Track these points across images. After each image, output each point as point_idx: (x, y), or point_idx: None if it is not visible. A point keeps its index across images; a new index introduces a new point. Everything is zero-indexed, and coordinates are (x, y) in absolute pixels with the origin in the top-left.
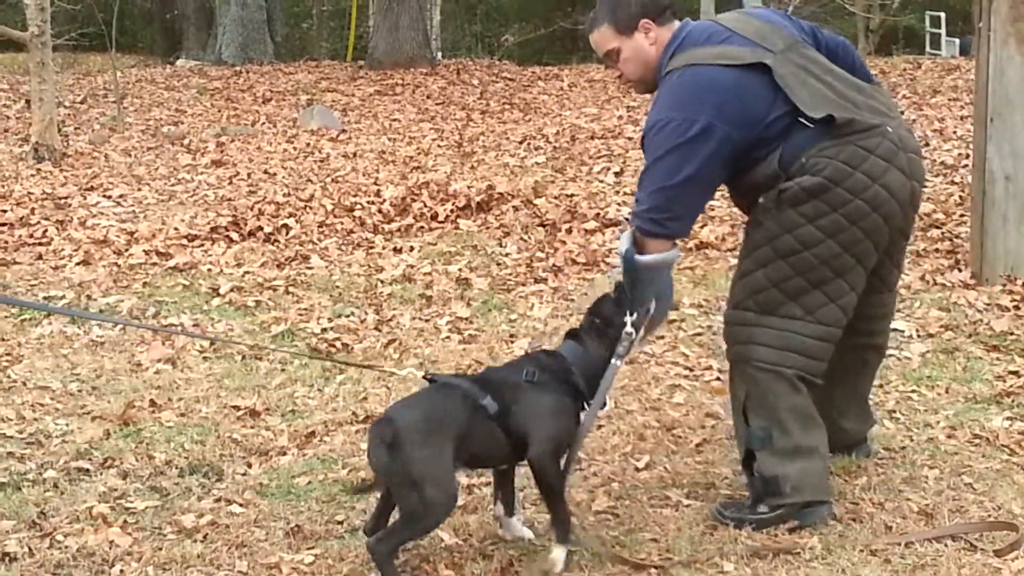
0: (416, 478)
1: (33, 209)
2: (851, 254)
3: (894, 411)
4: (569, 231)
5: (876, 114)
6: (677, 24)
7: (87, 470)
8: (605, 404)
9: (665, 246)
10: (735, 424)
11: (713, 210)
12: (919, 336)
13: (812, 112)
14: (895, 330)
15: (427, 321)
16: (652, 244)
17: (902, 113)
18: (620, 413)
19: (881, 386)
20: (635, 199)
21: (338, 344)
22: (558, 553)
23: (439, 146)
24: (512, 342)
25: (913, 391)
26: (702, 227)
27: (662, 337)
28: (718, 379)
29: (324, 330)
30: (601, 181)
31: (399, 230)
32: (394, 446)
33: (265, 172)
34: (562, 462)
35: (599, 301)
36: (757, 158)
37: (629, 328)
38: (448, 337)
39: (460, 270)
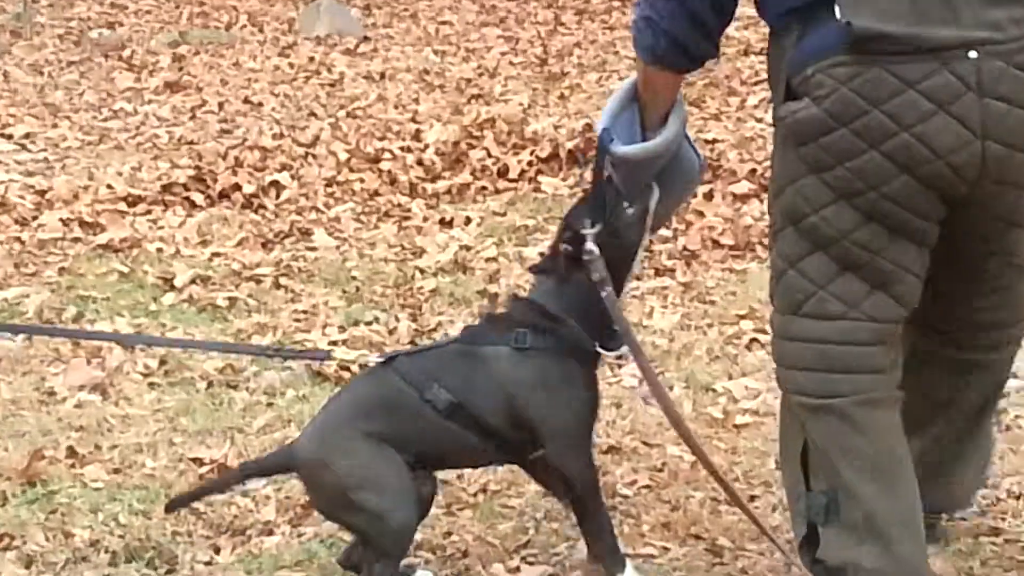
0: (348, 494)
1: None
2: (883, 225)
3: None
4: (709, 197)
5: (956, 25)
6: None
7: None
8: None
9: (677, 79)
10: (786, 488)
11: None
12: None
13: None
14: None
15: None
16: (651, 72)
17: None
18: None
19: None
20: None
21: (356, 368)
22: None
23: (511, 63)
24: (619, 367)
25: None
26: None
27: None
28: None
29: (333, 343)
30: (758, 120)
31: (448, 192)
32: (307, 469)
33: (246, 101)
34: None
35: (573, 210)
36: (776, 20)
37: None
38: None
39: (542, 255)
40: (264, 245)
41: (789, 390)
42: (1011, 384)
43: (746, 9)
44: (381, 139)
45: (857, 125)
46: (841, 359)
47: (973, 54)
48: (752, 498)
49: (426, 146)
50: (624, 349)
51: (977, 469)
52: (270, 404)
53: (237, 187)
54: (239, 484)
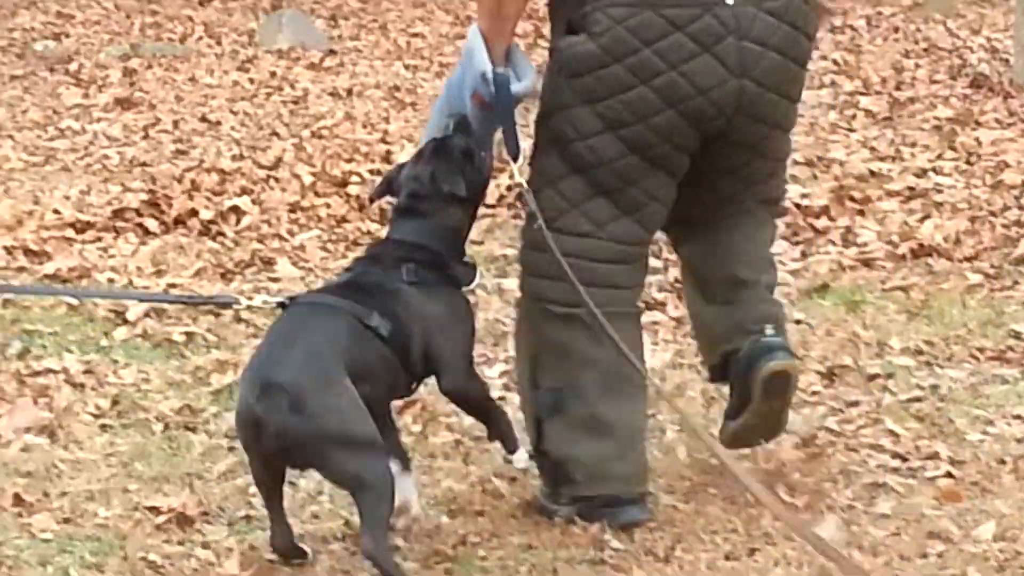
0: (340, 433)
1: None
2: (643, 158)
3: None
4: None
5: None
6: None
7: None
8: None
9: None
10: (520, 391)
11: (941, 191)
12: None
13: None
14: None
15: None
16: (514, 5)
17: None
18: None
19: None
20: None
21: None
22: (518, 458)
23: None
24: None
25: None
26: (923, 219)
27: (856, 404)
28: (948, 475)
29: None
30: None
31: None
32: (295, 407)
33: (203, 120)
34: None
35: (438, 152)
36: None
37: (519, 176)
38: (503, 398)
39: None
40: (223, 275)
41: (532, 297)
42: None
43: None
44: (349, 161)
45: (630, 62)
46: (586, 273)
47: (731, 1)
48: (752, 552)
49: None
50: (475, 284)
51: None
52: (231, 448)
53: (194, 212)
54: None
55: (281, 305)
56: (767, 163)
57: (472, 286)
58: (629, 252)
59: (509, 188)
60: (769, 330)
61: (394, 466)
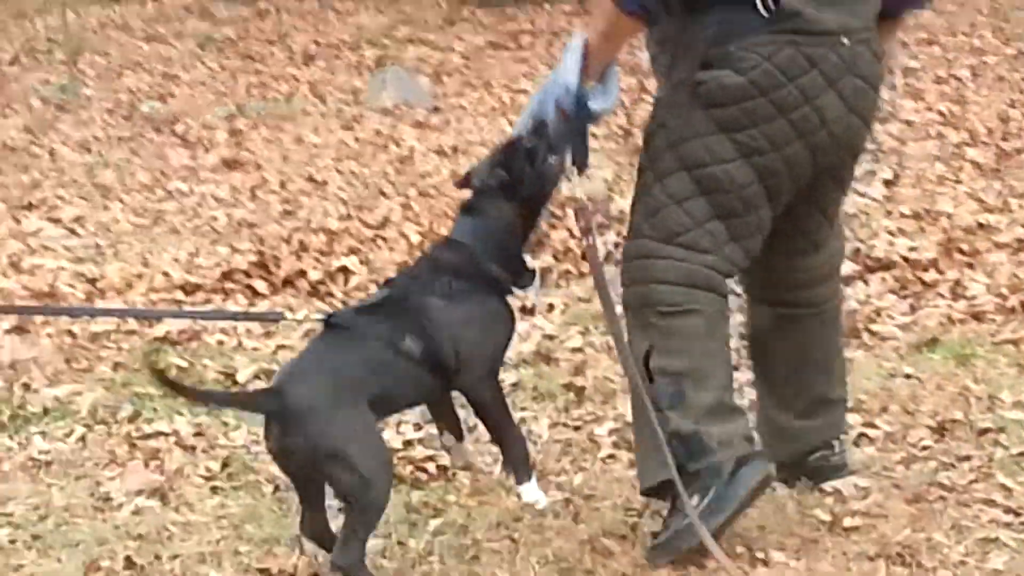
0: (339, 449)
1: None
2: (765, 186)
3: None
4: None
5: (839, 14)
6: None
7: None
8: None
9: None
10: (632, 390)
11: None
12: None
13: None
14: None
15: (577, 430)
16: (626, 24)
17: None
18: None
19: None
20: None
21: (431, 467)
22: (528, 491)
23: (593, 135)
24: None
25: None
26: None
27: (968, 458)
28: None
29: (408, 444)
30: (861, 195)
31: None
32: (296, 421)
33: (309, 180)
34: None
35: (505, 149)
36: (698, 4)
37: (580, 189)
38: (612, 456)
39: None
40: None
41: (646, 303)
42: None
43: None
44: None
45: (775, 95)
46: (705, 279)
47: (846, 40)
48: None
49: None
50: (533, 289)
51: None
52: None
53: (302, 273)
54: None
55: (326, 322)
56: (842, 195)
57: (527, 292)
58: (733, 273)
59: (617, 244)
60: (837, 447)
61: (448, 439)
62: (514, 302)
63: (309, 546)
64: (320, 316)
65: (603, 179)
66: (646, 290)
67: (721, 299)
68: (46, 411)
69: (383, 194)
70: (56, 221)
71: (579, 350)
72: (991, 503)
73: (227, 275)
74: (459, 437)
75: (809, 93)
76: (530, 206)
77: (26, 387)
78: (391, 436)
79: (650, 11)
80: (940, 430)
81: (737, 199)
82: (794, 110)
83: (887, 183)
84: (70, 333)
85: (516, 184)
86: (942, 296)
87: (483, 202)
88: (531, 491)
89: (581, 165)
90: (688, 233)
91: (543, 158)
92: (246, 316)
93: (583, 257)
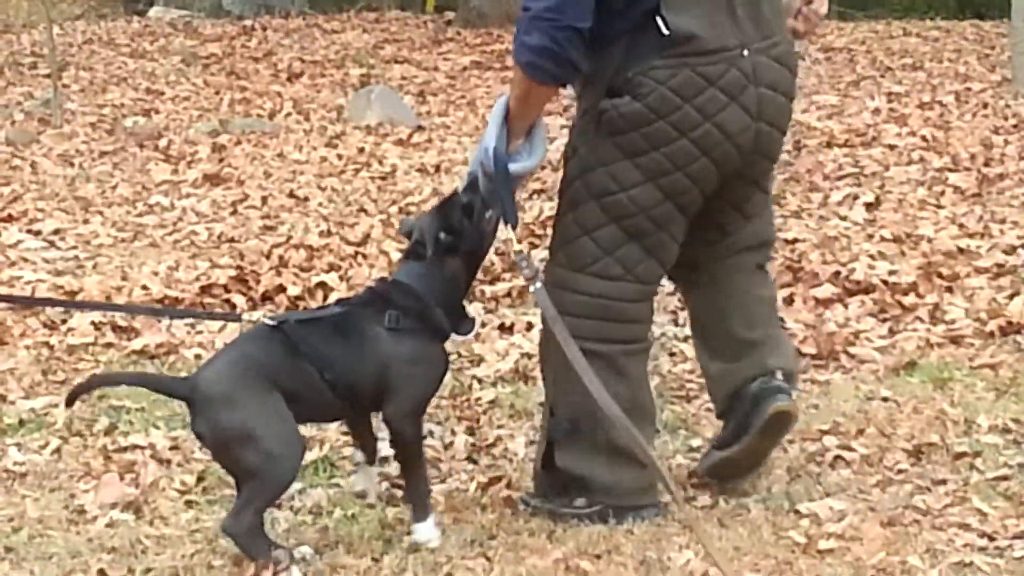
0: (243, 431)
1: None
2: (675, 203)
3: None
4: (789, 301)
5: (738, 28)
6: None
7: None
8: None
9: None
10: (544, 408)
11: None
12: None
13: (673, 14)
14: None
15: None
16: (541, 91)
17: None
18: None
19: None
20: (518, 29)
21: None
22: (422, 530)
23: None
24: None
25: None
26: (1012, 296)
27: (943, 482)
28: None
29: (383, 460)
30: (843, 218)
31: (508, 295)
32: (203, 406)
33: (291, 196)
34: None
35: (444, 205)
36: (601, 39)
37: (514, 242)
38: None
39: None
40: None
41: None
42: None
43: (829, 98)
44: None
45: (673, 118)
46: (613, 311)
47: (746, 52)
48: None
49: None
50: (471, 335)
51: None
52: (316, 524)
53: (282, 289)
54: (119, 386)
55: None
56: (763, 196)
57: (467, 337)
58: (648, 291)
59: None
60: (779, 375)
61: (359, 456)
62: (450, 346)
63: (282, 556)
64: (271, 318)
65: None
66: (566, 320)
67: (629, 326)
68: (22, 423)
69: (364, 211)
70: (36, 233)
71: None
72: (966, 527)
73: (206, 289)
74: (371, 461)
75: (708, 111)
76: (470, 258)
77: (2, 398)
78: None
79: (560, 78)
80: (916, 453)
81: (647, 219)
82: (694, 129)
83: (868, 206)
84: (47, 345)
85: (457, 239)
86: (921, 320)
87: (422, 251)
88: (425, 530)
89: (508, 221)
90: (598, 263)
91: (479, 214)
92: (209, 315)
93: (535, 305)
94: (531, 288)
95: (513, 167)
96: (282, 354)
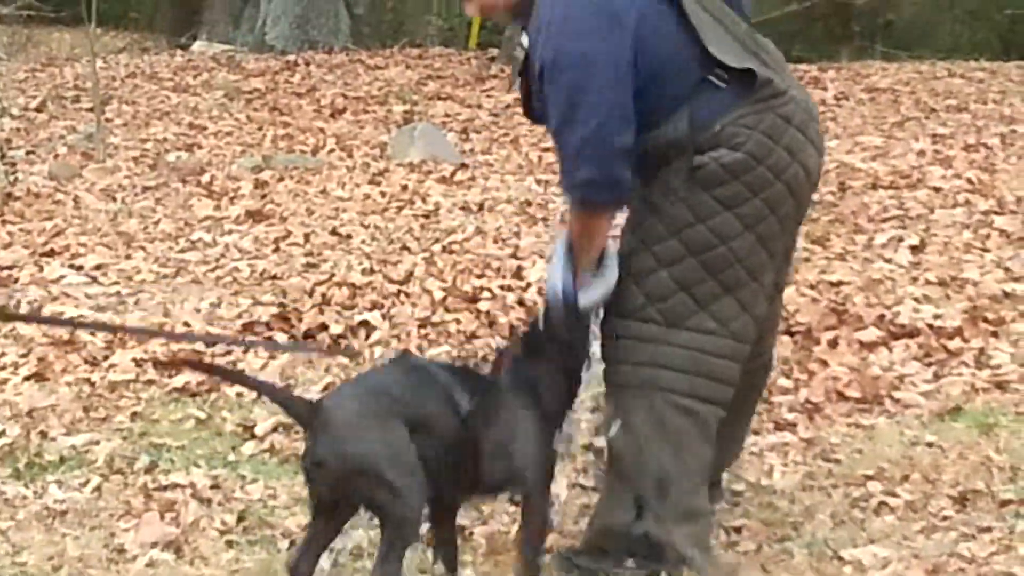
0: (369, 463)
1: None
2: (766, 250)
3: None
4: (834, 344)
5: (778, 71)
6: None
7: None
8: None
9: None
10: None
11: None
12: None
13: (730, 61)
14: None
15: (595, 491)
16: (602, 220)
17: None
18: None
19: None
20: (562, 167)
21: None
22: None
23: None
24: (746, 528)
25: None
26: None
27: (988, 529)
28: None
29: None
30: (887, 260)
31: None
32: (332, 434)
33: (333, 233)
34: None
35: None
36: (657, 117)
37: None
38: None
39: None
40: None
41: (660, 386)
42: None
43: (873, 139)
44: (480, 276)
45: (769, 161)
46: (708, 367)
47: (793, 91)
48: None
49: (528, 285)
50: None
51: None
52: (356, 567)
53: (324, 327)
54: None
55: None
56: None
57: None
58: (741, 351)
59: None
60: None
61: (439, 570)
62: None
63: None
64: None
65: None
66: (652, 373)
67: (726, 388)
68: (62, 460)
69: (407, 249)
70: (78, 268)
71: (599, 409)
72: None
73: (248, 326)
74: (451, 569)
75: (793, 151)
76: (567, 373)
77: (43, 435)
78: None
79: (617, 201)
80: (961, 500)
81: (744, 269)
82: (785, 171)
83: (913, 249)
84: (88, 382)
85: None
86: (966, 364)
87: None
88: None
89: (580, 355)
90: (693, 317)
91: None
92: (283, 347)
93: None
94: (610, 433)
95: (584, 302)
96: (414, 384)
